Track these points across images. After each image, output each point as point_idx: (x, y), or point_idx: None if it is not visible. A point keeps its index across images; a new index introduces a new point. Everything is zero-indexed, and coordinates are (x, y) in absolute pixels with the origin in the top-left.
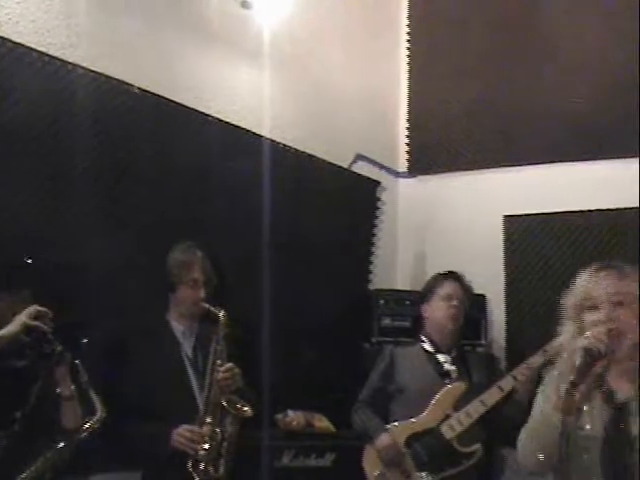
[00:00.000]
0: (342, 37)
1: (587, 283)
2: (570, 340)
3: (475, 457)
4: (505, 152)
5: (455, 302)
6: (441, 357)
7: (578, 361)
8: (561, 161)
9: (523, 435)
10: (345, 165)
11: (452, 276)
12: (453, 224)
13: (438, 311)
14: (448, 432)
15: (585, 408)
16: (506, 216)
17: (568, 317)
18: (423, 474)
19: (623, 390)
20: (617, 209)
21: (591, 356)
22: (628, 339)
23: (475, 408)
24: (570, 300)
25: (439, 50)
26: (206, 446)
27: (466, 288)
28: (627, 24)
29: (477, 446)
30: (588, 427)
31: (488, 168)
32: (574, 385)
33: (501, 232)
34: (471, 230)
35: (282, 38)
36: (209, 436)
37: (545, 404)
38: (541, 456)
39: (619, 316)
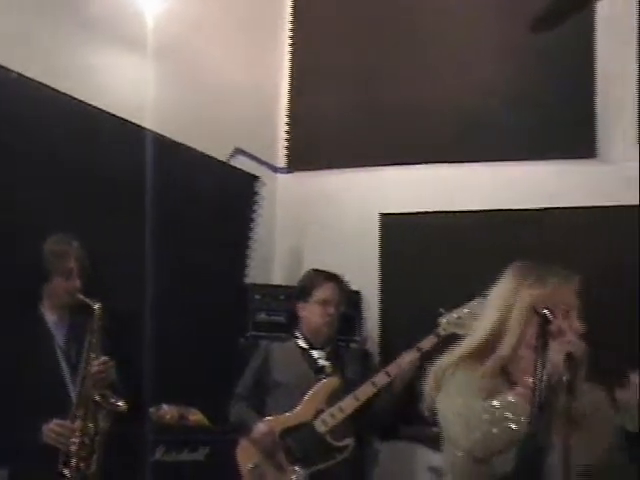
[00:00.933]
0: (224, 30)
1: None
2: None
3: (347, 451)
4: (383, 150)
5: (332, 309)
6: (315, 353)
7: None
8: (438, 161)
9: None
10: (223, 159)
11: (331, 279)
12: (330, 220)
13: (314, 314)
14: (321, 426)
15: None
16: (382, 214)
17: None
18: (296, 468)
19: None
20: (491, 210)
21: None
22: None
23: (348, 403)
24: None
25: (321, 47)
26: (78, 441)
27: (344, 290)
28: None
29: (349, 440)
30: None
31: (366, 166)
32: None
33: (377, 230)
34: (348, 227)
35: (163, 29)
36: (81, 431)
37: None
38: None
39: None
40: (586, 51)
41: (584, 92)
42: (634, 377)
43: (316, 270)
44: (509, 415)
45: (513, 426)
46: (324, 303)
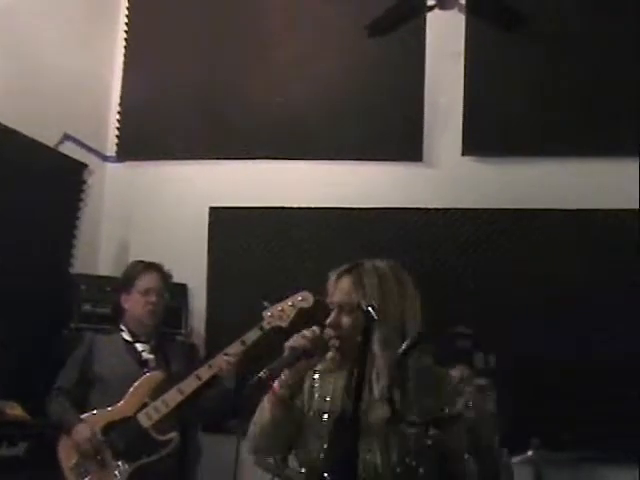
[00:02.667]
0: (57, 16)
1: (329, 288)
2: None
3: (171, 445)
4: (215, 144)
5: (153, 297)
6: (140, 346)
7: (284, 355)
8: (269, 158)
9: (252, 427)
10: (52, 145)
11: (152, 268)
12: (159, 212)
13: (136, 305)
14: (145, 420)
15: (328, 398)
16: (212, 207)
17: None
18: (119, 463)
19: None
20: (318, 208)
21: (295, 353)
22: (346, 345)
23: (172, 396)
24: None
25: (157, 37)
26: None
27: (165, 279)
28: (339, 35)
29: (174, 434)
30: (326, 417)
31: (197, 158)
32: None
33: (206, 223)
34: (177, 219)
35: None
36: None
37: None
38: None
39: (342, 323)
40: (416, 58)
41: (413, 98)
42: (453, 372)
43: (138, 261)
44: None
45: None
46: (146, 292)
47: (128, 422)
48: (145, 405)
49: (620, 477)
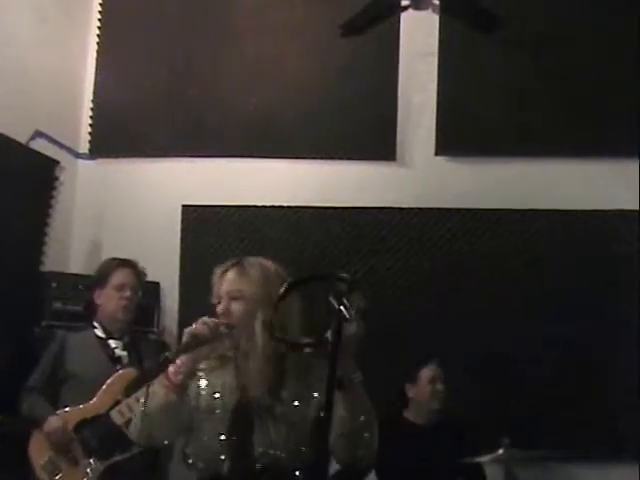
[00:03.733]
0: (30, 11)
1: (215, 284)
2: None
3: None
4: (188, 142)
5: (128, 293)
6: (113, 343)
7: (183, 341)
8: (243, 156)
9: (139, 413)
10: (23, 141)
11: (126, 264)
12: (132, 210)
13: (110, 300)
14: (118, 418)
15: (217, 395)
16: (184, 205)
17: None
18: (91, 460)
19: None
20: (291, 206)
21: (195, 339)
22: (239, 330)
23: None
24: (213, 299)
25: (130, 34)
26: None
27: (139, 275)
28: (312, 34)
29: None
30: (218, 411)
31: (170, 156)
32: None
33: (179, 221)
34: (149, 217)
35: None
36: None
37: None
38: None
39: (231, 310)
40: (390, 59)
41: (386, 97)
42: (424, 372)
43: (113, 258)
44: None
45: None
46: (120, 288)
47: (101, 419)
48: (118, 402)
49: (590, 475)
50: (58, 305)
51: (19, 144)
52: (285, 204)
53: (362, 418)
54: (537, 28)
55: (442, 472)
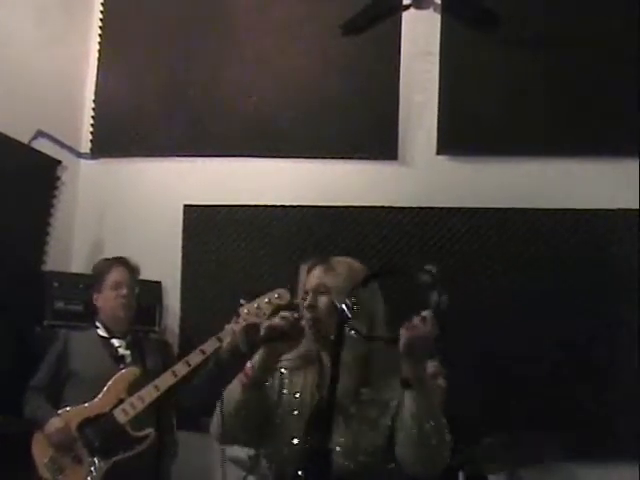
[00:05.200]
0: (33, 8)
1: (302, 280)
2: None
3: (147, 441)
4: (190, 142)
5: (124, 290)
6: (116, 342)
7: (260, 335)
8: (245, 156)
9: (218, 412)
10: (25, 141)
11: (118, 262)
12: (133, 209)
13: (108, 301)
14: (121, 416)
15: (297, 395)
16: (186, 205)
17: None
18: (95, 459)
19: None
20: (293, 206)
21: (273, 332)
22: (325, 324)
23: (148, 392)
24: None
25: (131, 34)
26: None
27: (133, 272)
28: (312, 34)
29: (150, 430)
30: (296, 412)
31: (172, 156)
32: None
33: (180, 220)
34: (151, 217)
35: None
36: None
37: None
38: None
39: (319, 303)
40: (391, 58)
41: (388, 97)
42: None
43: (105, 259)
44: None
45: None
46: (116, 286)
47: (104, 418)
48: (121, 401)
49: (590, 475)
50: (60, 305)
51: (21, 144)
52: (286, 204)
53: (431, 423)
54: (538, 28)
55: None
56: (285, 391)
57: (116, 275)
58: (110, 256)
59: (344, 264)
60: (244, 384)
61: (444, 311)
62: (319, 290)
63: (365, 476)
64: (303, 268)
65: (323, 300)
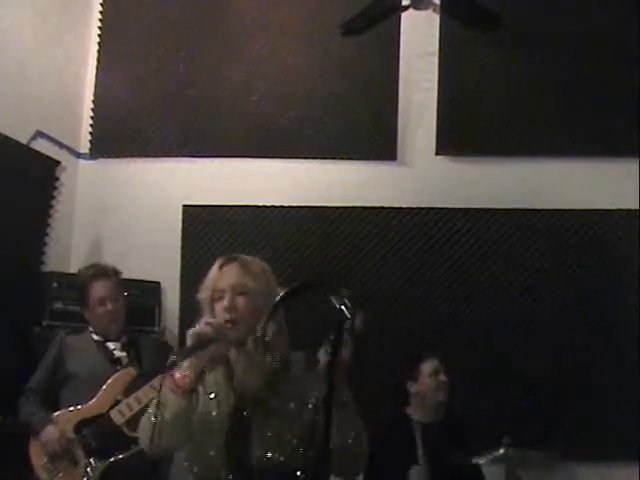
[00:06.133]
0: (32, 9)
1: (214, 276)
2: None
3: None
4: (188, 142)
5: (110, 306)
6: (111, 344)
7: (188, 344)
8: (244, 156)
9: (147, 422)
10: (24, 141)
11: (99, 274)
12: (133, 210)
13: (96, 315)
14: (118, 417)
15: (212, 395)
16: (185, 205)
17: (204, 309)
18: (92, 460)
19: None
20: (293, 206)
21: (200, 340)
22: (244, 325)
23: (145, 393)
24: (203, 293)
25: (131, 34)
26: None
27: (116, 280)
28: (312, 34)
29: None
30: (214, 413)
31: (171, 156)
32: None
33: (179, 221)
34: (150, 217)
35: None
36: None
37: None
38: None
39: (237, 304)
40: (390, 58)
41: (387, 97)
42: (424, 366)
43: (86, 267)
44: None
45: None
46: (101, 302)
47: (101, 419)
48: (118, 402)
49: (591, 475)
50: (59, 305)
51: (20, 144)
52: (286, 204)
53: (352, 435)
54: (537, 28)
55: (442, 471)
56: (200, 394)
57: (99, 290)
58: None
59: (258, 264)
60: (177, 394)
61: (358, 335)
62: (237, 290)
63: (287, 467)
64: (215, 266)
65: (242, 301)
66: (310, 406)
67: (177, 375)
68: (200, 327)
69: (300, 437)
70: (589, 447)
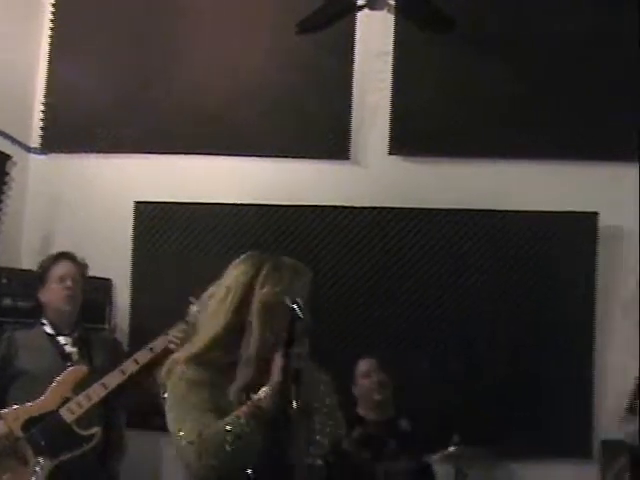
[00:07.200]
0: None
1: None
2: None
3: (94, 440)
4: (140, 138)
5: (69, 283)
6: (62, 339)
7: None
8: (197, 153)
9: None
10: None
11: (64, 256)
12: (84, 206)
13: (53, 293)
14: (68, 415)
15: None
16: (137, 202)
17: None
18: (40, 459)
19: None
20: (243, 204)
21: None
22: None
23: (96, 391)
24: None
25: (83, 29)
26: None
27: (80, 266)
28: (267, 32)
29: (96, 429)
30: None
31: (122, 152)
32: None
33: (131, 217)
34: (102, 213)
35: None
36: None
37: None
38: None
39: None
40: (345, 58)
41: (341, 96)
42: (359, 366)
43: (51, 254)
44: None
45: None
46: (61, 279)
47: (50, 417)
48: (68, 400)
49: (535, 473)
50: (8, 301)
51: None
52: (238, 202)
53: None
54: (491, 29)
55: (392, 469)
56: None
57: (62, 269)
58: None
59: None
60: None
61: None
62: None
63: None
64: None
65: None
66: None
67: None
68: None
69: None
70: (536, 445)
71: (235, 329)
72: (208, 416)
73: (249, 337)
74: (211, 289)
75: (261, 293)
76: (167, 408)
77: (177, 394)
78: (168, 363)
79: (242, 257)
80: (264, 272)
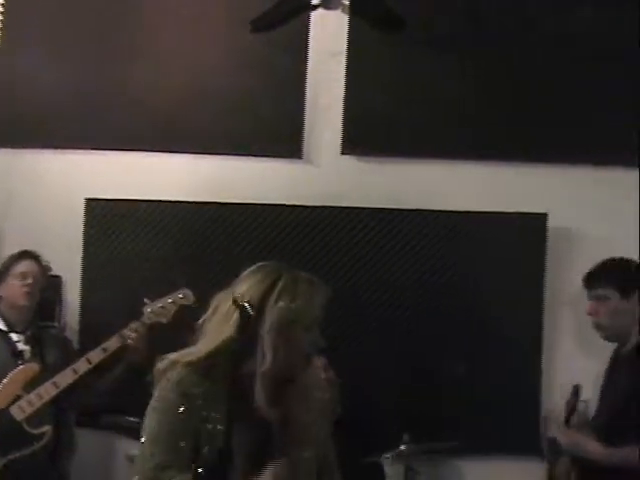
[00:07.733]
0: None
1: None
2: None
3: (45, 438)
4: (93, 134)
5: (29, 280)
6: (15, 336)
7: None
8: (149, 150)
9: None
10: None
11: (27, 255)
12: (33, 202)
13: (12, 289)
14: (18, 413)
15: None
16: (88, 199)
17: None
18: None
19: None
20: (198, 202)
21: None
22: None
23: (47, 389)
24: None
25: (34, 21)
26: None
27: (42, 266)
28: (221, 30)
29: (47, 427)
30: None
31: (74, 148)
32: None
33: (82, 214)
34: (52, 210)
35: None
36: None
37: None
38: None
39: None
40: (299, 57)
41: (294, 95)
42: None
43: (14, 252)
44: None
45: None
46: (22, 276)
47: (0, 415)
48: (18, 398)
49: (488, 469)
50: None
51: None
52: (189, 199)
53: None
54: (444, 29)
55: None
56: None
57: (23, 266)
58: (9, 249)
59: None
60: None
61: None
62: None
63: None
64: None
65: None
66: None
67: None
68: None
69: None
70: (484, 442)
71: (243, 340)
72: (172, 458)
73: (262, 352)
74: (221, 294)
75: (277, 307)
76: (149, 407)
77: (162, 403)
78: (165, 362)
79: (256, 266)
80: (280, 285)
